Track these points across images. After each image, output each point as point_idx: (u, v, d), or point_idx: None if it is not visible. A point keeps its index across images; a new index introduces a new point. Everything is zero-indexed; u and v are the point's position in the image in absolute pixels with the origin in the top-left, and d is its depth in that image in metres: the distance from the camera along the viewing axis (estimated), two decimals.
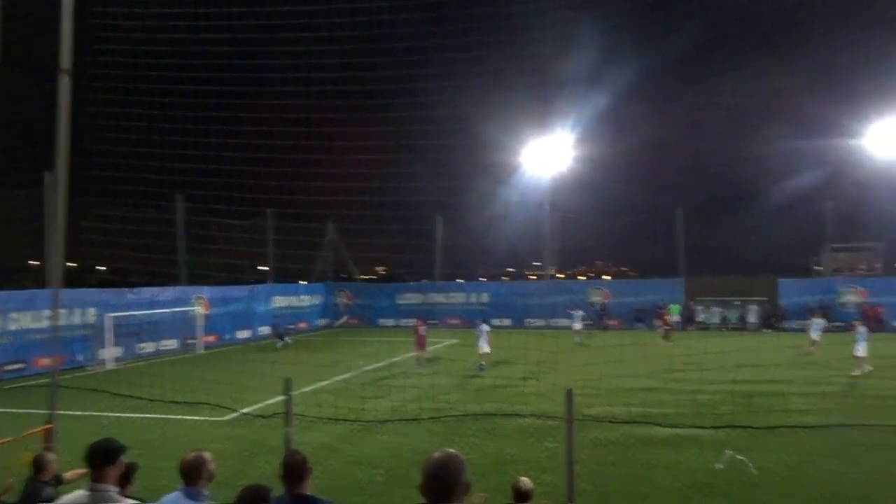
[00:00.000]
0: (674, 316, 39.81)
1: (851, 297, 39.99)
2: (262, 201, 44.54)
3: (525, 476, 6.73)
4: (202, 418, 15.78)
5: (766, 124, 47.73)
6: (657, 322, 37.26)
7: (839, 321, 38.96)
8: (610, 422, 13.26)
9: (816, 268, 46.19)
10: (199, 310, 34.21)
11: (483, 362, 24.98)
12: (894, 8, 39.17)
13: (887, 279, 40.06)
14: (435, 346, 29.96)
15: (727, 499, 10.17)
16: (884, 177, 39.67)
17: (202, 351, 32.98)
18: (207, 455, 4.68)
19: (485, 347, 25.30)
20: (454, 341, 34.78)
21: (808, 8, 42.20)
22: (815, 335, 28.01)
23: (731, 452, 12.05)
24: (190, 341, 33.10)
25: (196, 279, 37.97)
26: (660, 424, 13.65)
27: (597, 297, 44.34)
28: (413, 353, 27.18)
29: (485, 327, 26.01)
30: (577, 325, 34.88)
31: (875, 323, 36.51)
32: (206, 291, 35.97)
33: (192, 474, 4.56)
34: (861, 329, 23.23)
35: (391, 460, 12.31)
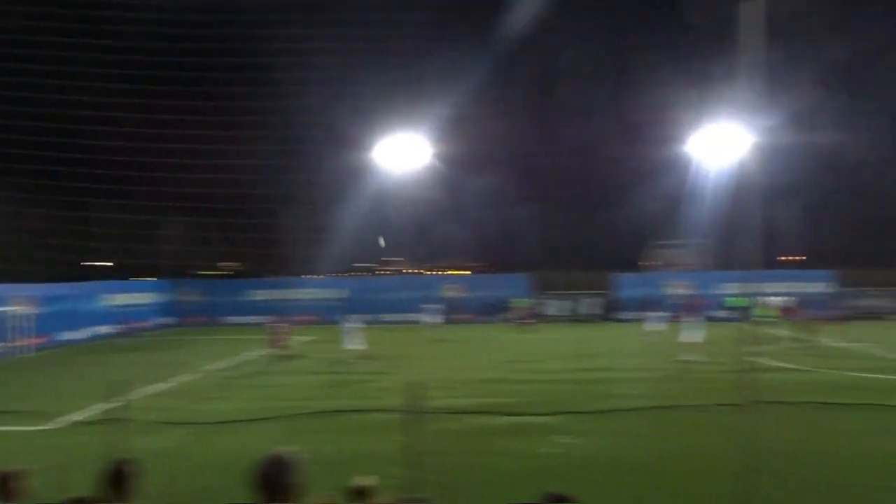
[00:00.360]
0: (527, 309, 41.65)
1: (677, 289, 43.77)
2: (91, 191, 41.42)
3: (374, 471, 6.75)
4: (17, 428, 14.39)
5: (606, 130, 50.97)
6: (510, 315, 38.82)
7: (668, 312, 42.55)
8: (456, 413, 13.63)
9: (647, 263, 50.15)
10: (21, 309, 31.11)
11: (354, 359, 24.78)
12: (709, 26, 42.96)
13: (707, 273, 44.21)
14: (291, 343, 29.35)
15: (560, 480, 10.76)
16: (706, 180, 43.70)
17: (31, 354, 30.07)
18: (17, 470, 4.27)
19: (354, 344, 25.14)
20: (311, 338, 34.23)
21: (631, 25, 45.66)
22: (655, 326, 29.98)
23: (565, 438, 12.79)
24: (11, 344, 30.02)
25: (16, 276, 34.52)
26: (501, 413, 14.22)
27: (450, 292, 45.30)
28: (267, 351, 26.44)
29: (352, 323, 25.81)
30: (432, 320, 35.52)
31: (697, 313, 40.28)
32: (29, 290, 32.76)
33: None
34: (689, 318, 25.51)
35: (234, 463, 11.84)
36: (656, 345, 27.76)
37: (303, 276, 47.60)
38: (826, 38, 45.95)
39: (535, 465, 11.63)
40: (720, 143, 39.00)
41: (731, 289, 41.22)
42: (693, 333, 24.67)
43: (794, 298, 42.02)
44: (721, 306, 40.94)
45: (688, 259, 48.84)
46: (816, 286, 42.98)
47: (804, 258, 48.85)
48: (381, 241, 45.27)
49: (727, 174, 39.62)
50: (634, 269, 47.90)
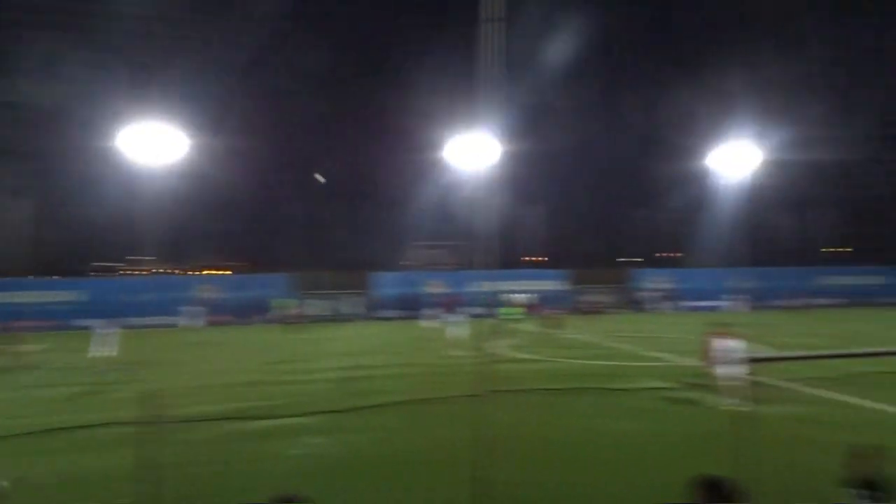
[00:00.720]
0: (289, 310, 40.82)
1: (434, 288, 45.97)
2: None
3: (104, 490, 6.14)
4: None
5: (369, 133, 52.03)
6: (273, 316, 37.82)
7: (425, 309, 44.56)
8: (203, 420, 12.95)
9: (405, 262, 52.01)
10: None
11: (103, 366, 22.22)
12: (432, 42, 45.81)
13: (462, 272, 46.99)
14: (22, 351, 25.59)
15: (304, 481, 10.73)
16: (461, 185, 46.42)
17: None
18: None
19: (103, 350, 22.61)
20: (44, 346, 30.20)
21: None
22: (431, 323, 30.77)
23: (318, 438, 12.77)
24: None
25: None
26: (251, 418, 13.80)
27: (207, 293, 42.94)
28: None
29: (104, 328, 23.26)
30: (191, 322, 33.42)
31: (454, 310, 42.76)
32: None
33: None
34: (450, 316, 26.93)
35: None
36: (428, 341, 28.81)
37: (30, 277, 41.94)
38: (565, 46, 51.50)
39: (282, 468, 11.42)
40: (473, 150, 41.72)
41: (484, 287, 44.30)
42: (458, 329, 26.08)
43: (535, 295, 46.44)
44: (477, 303, 43.80)
45: (445, 259, 51.59)
46: (554, 284, 47.92)
47: (546, 259, 54.03)
48: (319, 178, 41.98)
49: (480, 179, 42.50)
50: (394, 269, 49.43)
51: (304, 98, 52.60)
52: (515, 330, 33.84)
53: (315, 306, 43.82)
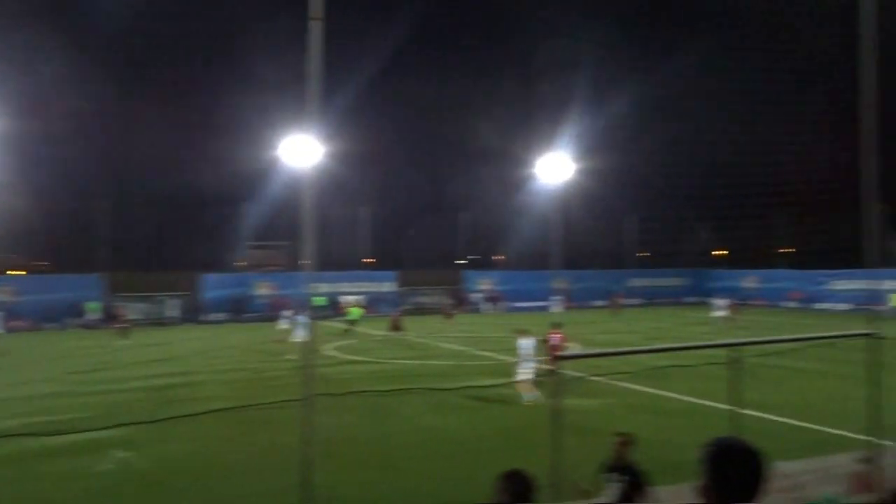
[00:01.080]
0: (104, 313, 37.76)
1: (264, 289, 44.63)
2: None
3: None
4: None
5: (192, 131, 49.45)
6: (85, 320, 34.79)
7: (254, 311, 43.14)
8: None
9: (236, 263, 49.98)
10: None
11: None
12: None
13: (293, 274, 45.97)
14: None
15: (110, 501, 10.05)
16: (295, 184, 45.35)
17: None
18: None
19: None
20: None
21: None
22: (285, 325, 28.86)
23: (127, 452, 11.96)
24: None
25: None
26: (60, 433, 12.62)
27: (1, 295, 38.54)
28: None
29: None
30: None
31: (286, 312, 41.70)
32: None
33: None
34: (296, 317, 26.23)
35: None
36: (275, 343, 27.71)
37: None
38: (384, 48, 52.28)
39: (87, 486, 10.58)
40: (302, 151, 40.87)
41: (315, 289, 43.60)
42: (299, 332, 25.48)
43: (365, 297, 46.58)
44: (309, 306, 42.97)
45: (277, 260, 50.16)
46: (384, 286, 48.34)
47: (374, 260, 54.26)
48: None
49: (312, 179, 41.73)
50: (223, 270, 47.23)
51: (124, 90, 49.21)
52: (348, 331, 33.74)
53: (131, 309, 40.78)
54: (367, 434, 13.64)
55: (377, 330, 33.96)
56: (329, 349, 26.90)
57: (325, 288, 45.26)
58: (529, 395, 16.07)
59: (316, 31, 6.52)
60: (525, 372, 16.37)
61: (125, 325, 33.72)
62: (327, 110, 35.50)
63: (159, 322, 40.86)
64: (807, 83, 44.23)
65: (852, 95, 10.00)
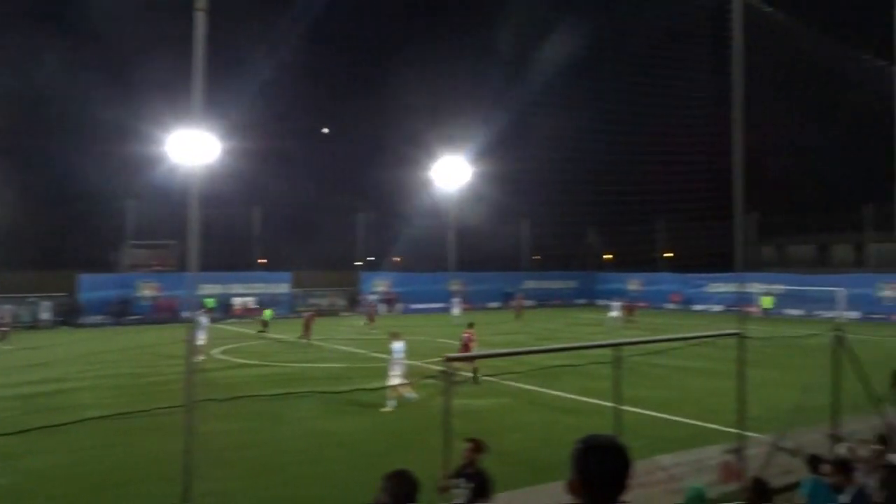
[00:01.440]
0: None
1: (148, 291, 42.47)
2: None
3: None
4: None
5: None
6: None
7: (138, 314, 41.00)
8: None
9: (120, 263, 47.27)
10: None
11: None
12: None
13: (180, 274, 44.02)
14: None
15: None
16: (180, 181, 43.45)
17: None
18: None
19: None
20: None
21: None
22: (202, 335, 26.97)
23: None
24: None
25: None
26: None
27: None
28: None
29: None
30: None
31: (169, 314, 39.88)
32: None
33: None
34: (200, 319, 25.07)
35: None
36: (155, 347, 26.35)
37: None
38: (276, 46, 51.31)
39: None
40: (190, 147, 39.21)
41: (204, 290, 42.03)
42: (200, 334, 24.47)
43: (258, 298, 45.36)
44: (198, 307, 41.30)
45: (163, 260, 47.76)
46: (278, 287, 47.16)
47: (267, 261, 52.94)
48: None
49: (202, 177, 40.17)
50: (103, 270, 44.49)
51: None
52: (261, 332, 32.75)
53: (5, 312, 37.70)
54: (257, 439, 13.29)
55: (273, 332, 33.12)
56: (218, 353, 25.99)
57: (215, 289, 43.67)
58: (409, 395, 16.27)
59: (200, 22, 6.29)
60: (397, 375, 16.44)
61: (5, 329, 31.28)
62: (221, 107, 34.36)
63: (32, 326, 38.04)
64: (685, 96, 46.86)
65: (726, 110, 10.71)
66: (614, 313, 38.29)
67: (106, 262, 46.52)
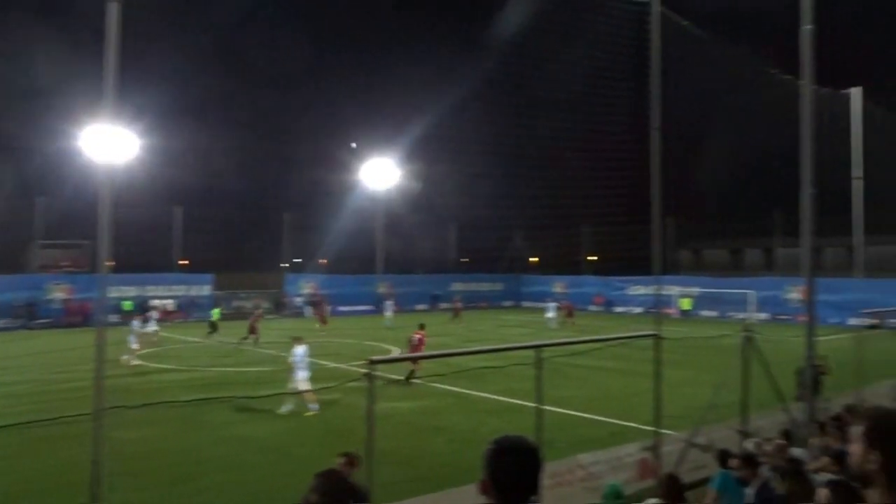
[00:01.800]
0: None
1: (59, 293, 40.40)
2: None
3: None
4: None
5: None
6: None
7: (48, 317, 38.91)
8: None
9: (29, 264, 44.81)
10: None
11: None
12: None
13: (93, 276, 42.09)
14: None
15: None
16: (95, 177, 41.60)
17: None
18: None
19: None
20: None
21: None
22: (135, 341, 25.36)
23: None
24: None
25: None
26: None
27: None
28: None
29: None
30: None
31: (81, 317, 38.03)
32: None
33: None
34: (133, 323, 24.74)
35: None
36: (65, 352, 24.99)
37: None
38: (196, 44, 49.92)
39: None
40: (107, 143, 37.63)
41: (121, 293, 40.43)
42: (132, 338, 23.67)
43: (175, 301, 43.85)
44: (112, 310, 39.55)
45: (74, 260, 45.50)
46: (200, 289, 45.69)
47: (188, 262, 51.29)
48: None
49: (110, 174, 38.60)
50: (10, 271, 41.99)
51: None
52: (210, 334, 31.51)
53: None
54: (173, 447, 12.84)
55: (191, 335, 32.09)
56: (136, 358, 24.96)
57: (132, 292, 41.98)
58: (313, 405, 15.75)
59: (113, 13, 6.03)
60: (300, 381, 16.08)
61: None
62: (140, 103, 33.12)
63: None
64: (606, 104, 48.19)
65: (645, 119, 11.07)
66: (550, 314, 39.21)
67: (13, 262, 43.94)
